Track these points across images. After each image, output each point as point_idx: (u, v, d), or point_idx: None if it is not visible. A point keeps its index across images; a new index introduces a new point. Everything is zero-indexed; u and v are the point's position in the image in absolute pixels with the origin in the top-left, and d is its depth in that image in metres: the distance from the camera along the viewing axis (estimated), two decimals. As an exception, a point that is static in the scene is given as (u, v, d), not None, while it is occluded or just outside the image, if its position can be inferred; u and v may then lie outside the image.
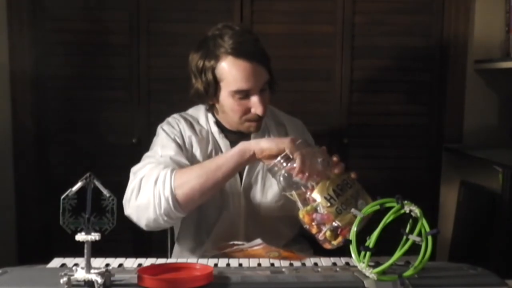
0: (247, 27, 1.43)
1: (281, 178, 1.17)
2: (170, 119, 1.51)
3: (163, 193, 1.25)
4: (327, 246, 1.13)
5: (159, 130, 1.49)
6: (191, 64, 1.42)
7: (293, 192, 1.16)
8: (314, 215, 1.11)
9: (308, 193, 1.13)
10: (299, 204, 1.15)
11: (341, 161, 1.19)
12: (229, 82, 1.36)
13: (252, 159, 1.26)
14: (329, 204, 1.09)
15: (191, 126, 1.47)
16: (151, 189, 1.27)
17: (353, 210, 1.08)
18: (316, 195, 1.11)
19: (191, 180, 1.26)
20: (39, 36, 2.14)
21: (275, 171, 1.18)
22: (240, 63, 1.35)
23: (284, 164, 1.16)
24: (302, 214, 1.13)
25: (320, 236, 1.12)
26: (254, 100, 1.37)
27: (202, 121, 1.49)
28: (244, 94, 1.36)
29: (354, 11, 2.19)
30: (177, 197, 1.26)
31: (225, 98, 1.39)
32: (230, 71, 1.35)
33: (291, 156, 1.16)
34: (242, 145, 1.26)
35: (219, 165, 1.26)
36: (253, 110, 1.39)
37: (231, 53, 1.35)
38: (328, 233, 1.10)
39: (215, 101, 1.43)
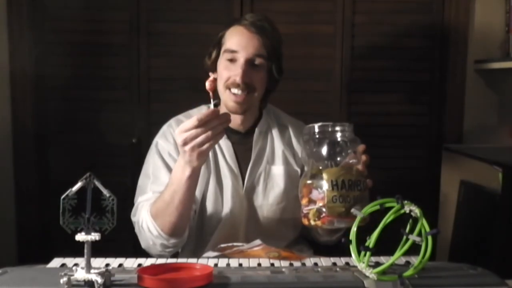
0: (271, 20, 1.50)
1: (314, 148, 1.18)
2: (165, 127, 1.51)
3: (154, 236, 1.33)
4: (304, 221, 1.16)
5: (153, 144, 1.49)
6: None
7: (312, 160, 1.17)
8: (312, 190, 1.13)
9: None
10: (308, 173, 1.16)
11: (367, 167, 1.20)
12: (225, 43, 1.44)
13: (195, 172, 1.24)
14: (330, 189, 1.10)
15: None
16: (145, 236, 1.36)
17: (353, 210, 1.08)
18: (325, 175, 1.11)
19: (166, 216, 1.29)
20: (39, 36, 2.14)
21: (309, 138, 1.19)
22: (240, 29, 1.43)
23: (317, 136, 1.18)
24: (303, 182, 1.16)
25: (305, 210, 1.14)
26: (237, 64, 1.40)
27: None
28: (231, 57, 1.41)
29: (354, 11, 2.19)
30: (165, 233, 1.31)
31: (220, 62, 1.44)
32: (229, 34, 1.44)
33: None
34: (186, 172, 1.23)
35: (181, 195, 1.26)
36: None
37: (237, 23, 1.45)
38: (313, 211, 1.12)
39: (214, 70, 1.47)
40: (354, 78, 2.22)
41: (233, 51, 1.41)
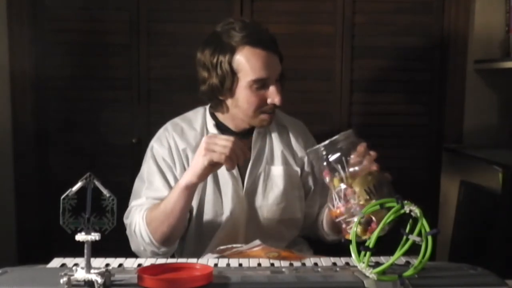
0: (255, 20, 1.46)
1: (327, 168, 1.15)
2: (161, 132, 1.49)
3: (146, 243, 1.35)
4: (348, 236, 1.11)
5: (149, 148, 1.49)
6: (203, 60, 1.40)
7: (332, 180, 1.15)
8: (349, 205, 1.11)
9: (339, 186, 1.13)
10: (334, 194, 1.14)
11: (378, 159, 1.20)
12: (247, 72, 1.35)
13: (195, 186, 1.28)
14: (368, 198, 1.09)
15: (184, 135, 1.46)
16: (136, 240, 1.37)
17: (353, 210, 1.08)
18: (356, 187, 1.10)
19: (159, 225, 1.32)
20: (39, 36, 2.14)
21: (318, 156, 1.17)
22: (258, 52, 1.35)
23: (325, 152, 1.15)
24: (334, 213, 1.13)
25: (349, 229, 1.11)
26: (272, 89, 1.37)
27: (198, 125, 1.47)
28: (261, 84, 1.36)
29: (354, 11, 2.19)
30: (157, 241, 1.33)
31: (242, 90, 1.37)
32: (249, 61, 1.35)
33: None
34: (183, 181, 1.27)
35: (173, 205, 1.29)
36: (269, 101, 1.38)
37: (247, 43, 1.35)
38: (359, 226, 1.07)
39: (228, 96, 1.40)
40: (354, 78, 2.22)
41: (263, 79, 1.36)
